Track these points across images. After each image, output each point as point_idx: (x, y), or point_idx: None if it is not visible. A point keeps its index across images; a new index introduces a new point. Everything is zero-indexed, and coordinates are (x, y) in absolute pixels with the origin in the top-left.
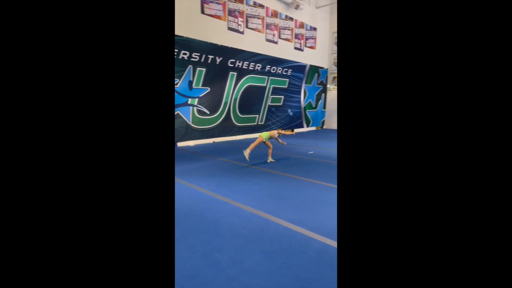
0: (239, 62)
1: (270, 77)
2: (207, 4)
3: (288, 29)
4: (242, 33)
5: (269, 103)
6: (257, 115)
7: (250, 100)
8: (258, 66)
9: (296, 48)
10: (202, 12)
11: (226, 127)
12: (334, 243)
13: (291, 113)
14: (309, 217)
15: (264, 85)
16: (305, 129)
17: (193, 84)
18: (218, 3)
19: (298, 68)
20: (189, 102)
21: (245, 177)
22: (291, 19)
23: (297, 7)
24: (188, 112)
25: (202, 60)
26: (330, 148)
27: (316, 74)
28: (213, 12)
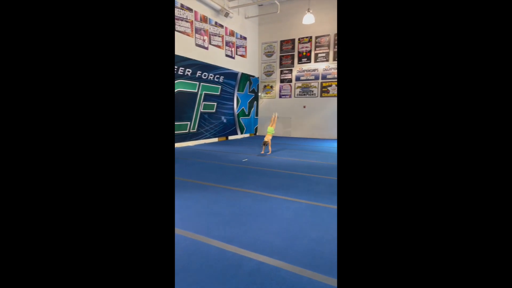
0: None
1: (202, 83)
2: None
3: (219, 36)
4: None
5: (201, 110)
6: (189, 122)
7: (181, 106)
8: (188, 71)
9: (227, 55)
10: None
11: None
12: (267, 260)
13: (225, 120)
14: (242, 232)
15: (196, 91)
16: (239, 136)
17: None
18: None
19: (230, 75)
20: None
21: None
22: (221, 26)
23: (226, 14)
24: None
25: None
26: (263, 155)
27: (248, 82)
28: None
